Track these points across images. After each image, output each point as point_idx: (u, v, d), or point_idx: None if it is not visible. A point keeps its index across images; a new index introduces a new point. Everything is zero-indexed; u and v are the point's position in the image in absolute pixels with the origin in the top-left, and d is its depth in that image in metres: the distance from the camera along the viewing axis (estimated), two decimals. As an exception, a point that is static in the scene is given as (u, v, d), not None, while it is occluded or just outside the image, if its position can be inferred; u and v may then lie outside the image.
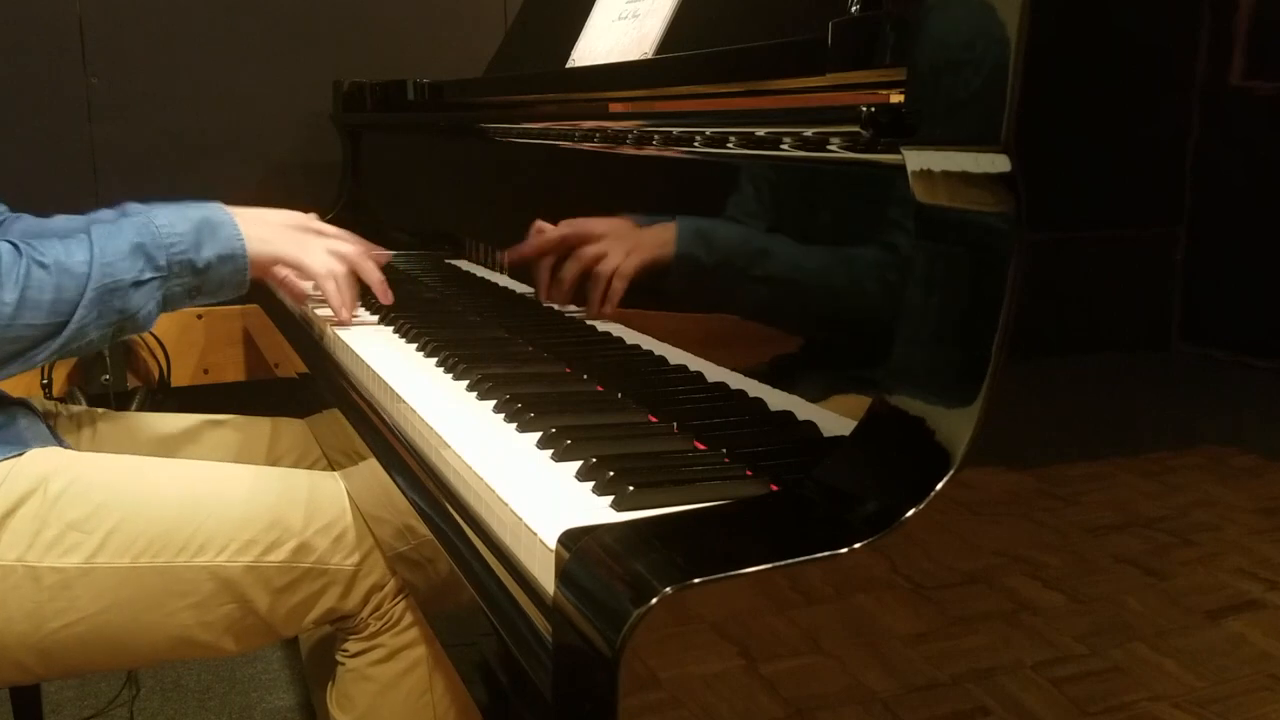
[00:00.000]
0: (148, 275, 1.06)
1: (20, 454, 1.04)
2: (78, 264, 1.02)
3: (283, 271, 1.23)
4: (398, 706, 1.11)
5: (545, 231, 1.20)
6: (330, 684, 1.15)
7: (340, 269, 1.24)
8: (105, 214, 1.26)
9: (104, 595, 1.00)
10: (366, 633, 1.10)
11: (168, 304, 1.10)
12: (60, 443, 1.15)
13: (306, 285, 1.32)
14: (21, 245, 1.01)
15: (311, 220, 1.29)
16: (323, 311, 1.35)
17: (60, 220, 1.31)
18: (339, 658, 1.13)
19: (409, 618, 1.10)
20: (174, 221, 1.09)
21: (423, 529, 0.84)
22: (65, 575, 0.99)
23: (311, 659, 1.46)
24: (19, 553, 0.98)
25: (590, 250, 1.11)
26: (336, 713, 1.13)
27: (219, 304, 1.22)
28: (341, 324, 1.26)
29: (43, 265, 1.01)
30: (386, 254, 1.42)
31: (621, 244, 1.06)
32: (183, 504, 1.05)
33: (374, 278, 1.28)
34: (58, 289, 1.01)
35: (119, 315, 1.05)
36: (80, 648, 1.02)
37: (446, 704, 1.11)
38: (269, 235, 1.17)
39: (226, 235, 1.12)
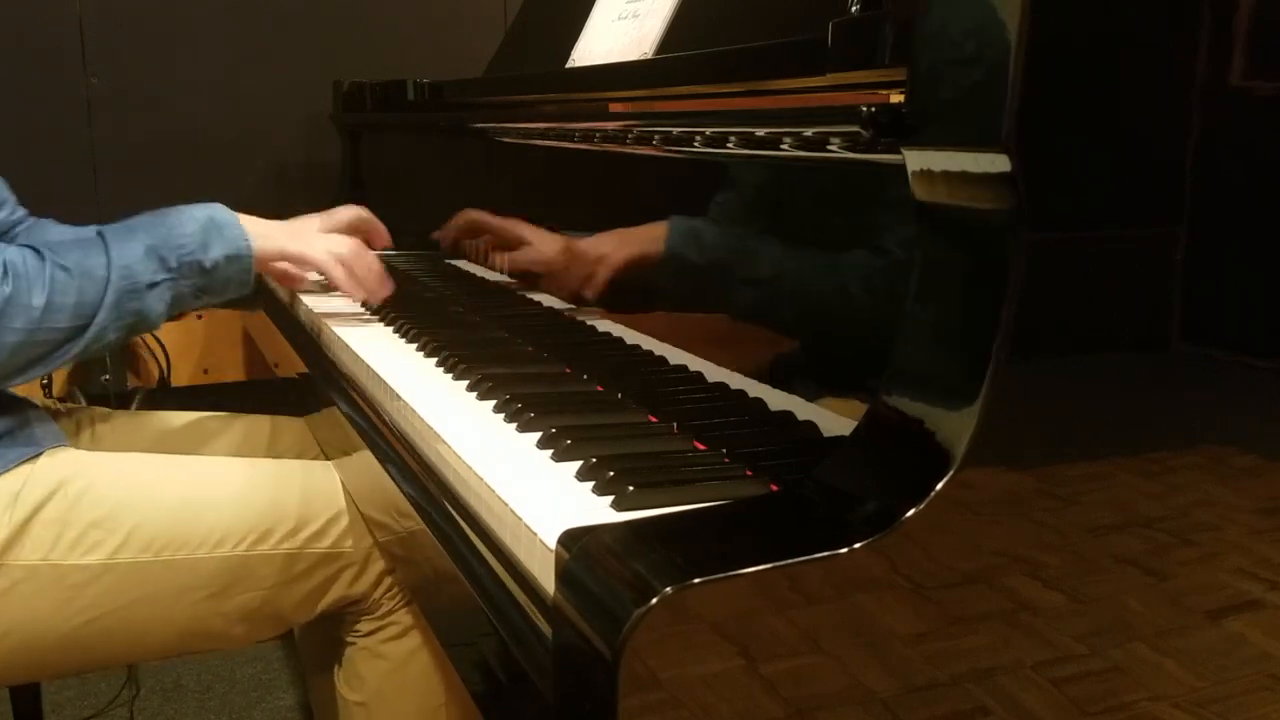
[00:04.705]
0: (161, 277, 1.08)
1: (36, 455, 1.06)
2: (97, 266, 1.05)
3: (282, 265, 1.24)
4: (409, 683, 1.12)
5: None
6: (337, 666, 1.16)
7: (345, 251, 1.24)
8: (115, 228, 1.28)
9: (127, 590, 1.03)
10: (380, 612, 1.12)
11: (175, 304, 1.11)
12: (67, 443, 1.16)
13: (310, 275, 1.33)
14: (43, 250, 1.03)
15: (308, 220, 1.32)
16: (321, 309, 1.35)
17: (72, 230, 1.30)
18: (348, 638, 1.14)
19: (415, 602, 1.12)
20: (182, 222, 1.11)
21: (415, 523, 0.84)
22: (89, 573, 1.02)
23: (307, 644, 1.46)
24: (43, 553, 1.01)
25: (587, 252, 1.11)
26: (347, 692, 1.14)
27: (220, 306, 1.23)
28: (364, 302, 1.28)
29: (65, 269, 1.03)
30: (384, 238, 1.43)
31: (610, 241, 1.08)
32: (199, 498, 1.08)
33: (374, 270, 1.26)
34: (80, 292, 1.03)
35: (134, 317, 1.07)
36: (101, 641, 1.04)
37: (458, 685, 1.11)
38: (270, 232, 1.19)
39: (232, 235, 1.13)
